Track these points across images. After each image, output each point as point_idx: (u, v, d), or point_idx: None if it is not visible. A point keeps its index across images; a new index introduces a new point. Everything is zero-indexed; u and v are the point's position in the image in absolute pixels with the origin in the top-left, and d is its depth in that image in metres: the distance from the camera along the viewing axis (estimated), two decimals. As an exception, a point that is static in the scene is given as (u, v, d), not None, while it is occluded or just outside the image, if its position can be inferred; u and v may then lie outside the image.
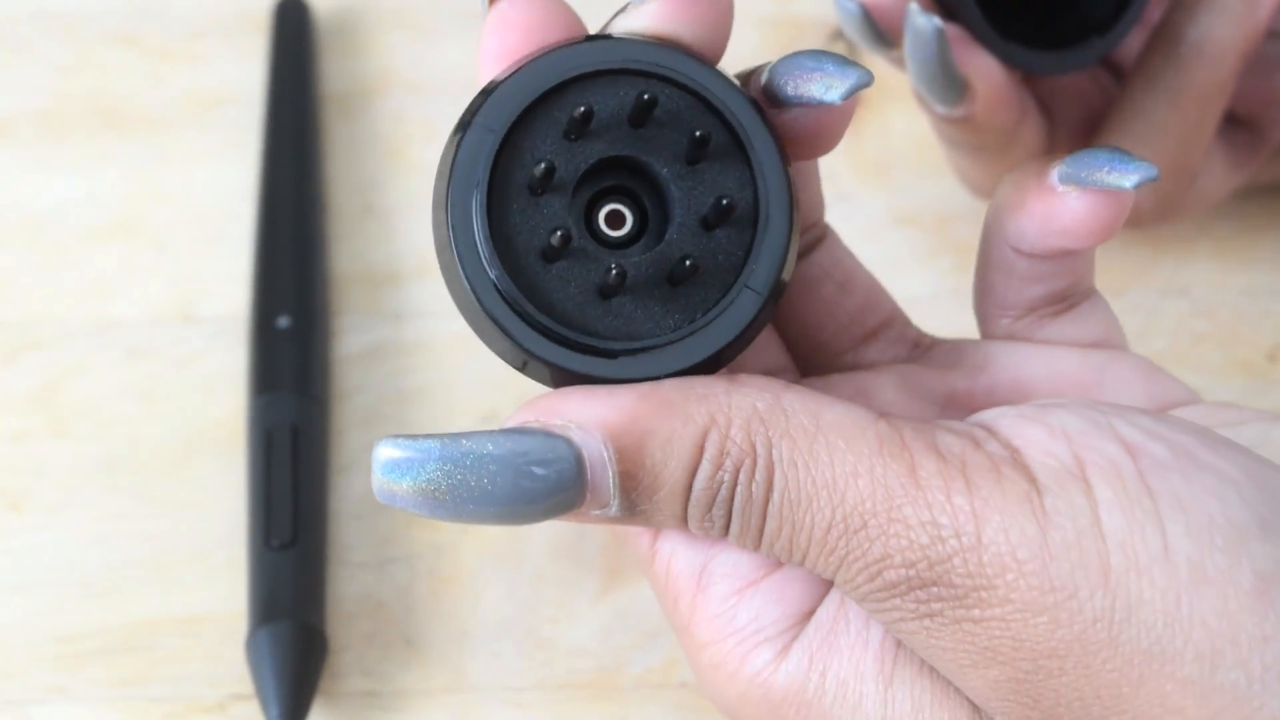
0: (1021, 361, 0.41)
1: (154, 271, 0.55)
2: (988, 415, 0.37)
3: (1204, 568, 0.34)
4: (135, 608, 0.49)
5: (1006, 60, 0.47)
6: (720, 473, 0.36)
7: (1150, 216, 0.50)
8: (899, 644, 0.37)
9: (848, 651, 0.38)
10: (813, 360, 0.42)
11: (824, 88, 0.37)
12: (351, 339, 0.54)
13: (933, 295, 0.54)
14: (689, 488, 0.36)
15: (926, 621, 0.35)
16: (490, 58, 0.38)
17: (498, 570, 0.49)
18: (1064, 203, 0.39)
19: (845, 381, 0.41)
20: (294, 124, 0.57)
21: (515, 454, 0.36)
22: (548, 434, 0.36)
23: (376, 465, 0.36)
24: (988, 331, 0.42)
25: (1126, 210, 0.39)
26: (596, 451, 0.36)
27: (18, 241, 0.56)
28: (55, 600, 0.49)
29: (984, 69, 0.47)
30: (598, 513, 0.36)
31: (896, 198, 0.56)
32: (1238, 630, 0.34)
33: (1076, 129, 0.50)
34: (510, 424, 0.36)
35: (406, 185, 0.57)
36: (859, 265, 0.43)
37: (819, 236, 0.42)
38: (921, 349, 0.42)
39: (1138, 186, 0.38)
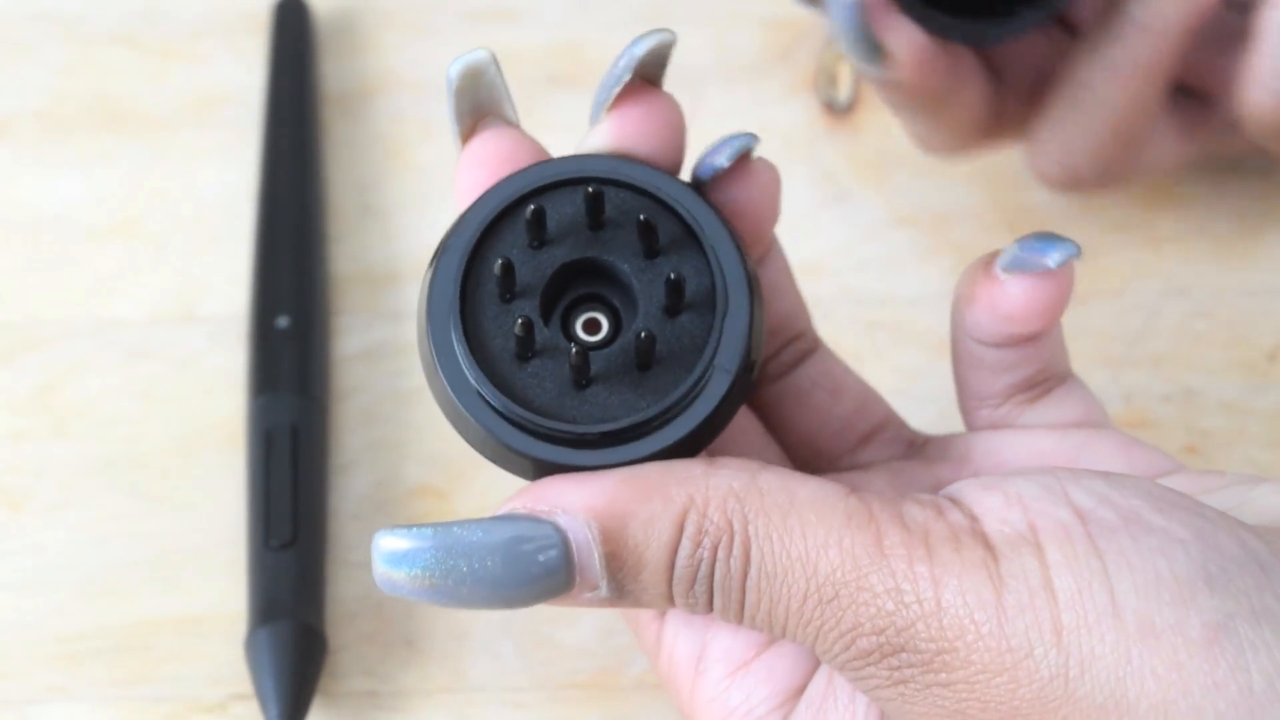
0: (1003, 447, 0.42)
1: (154, 271, 0.55)
2: (955, 486, 0.38)
3: (1152, 622, 0.35)
4: (135, 608, 0.49)
5: (928, 27, 0.48)
6: (700, 550, 0.37)
7: (1092, 183, 0.51)
8: (882, 715, 0.39)
9: None
10: (811, 466, 0.44)
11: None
12: (351, 339, 0.54)
13: (932, 295, 0.54)
14: (671, 565, 0.37)
15: (901, 688, 0.37)
16: (465, 194, 0.41)
17: (497, 570, 0.49)
18: (1004, 290, 0.41)
19: (838, 480, 0.42)
20: (294, 124, 0.57)
21: (505, 540, 0.37)
22: (535, 520, 0.37)
23: (377, 555, 0.38)
24: (971, 424, 0.43)
25: (1065, 291, 0.41)
26: (582, 534, 0.37)
27: (18, 241, 0.56)
28: (55, 600, 0.49)
29: (903, 35, 0.48)
30: (589, 595, 0.38)
31: (896, 197, 0.56)
32: (1189, 680, 0.35)
33: (1026, 91, 0.51)
34: (499, 512, 0.38)
35: (406, 185, 0.57)
36: (849, 373, 0.45)
37: (810, 348, 0.44)
38: (915, 448, 0.44)
39: (1060, 265, 0.40)
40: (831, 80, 0.58)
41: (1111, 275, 0.54)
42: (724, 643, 0.41)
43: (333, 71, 0.59)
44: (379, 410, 0.52)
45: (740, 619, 0.38)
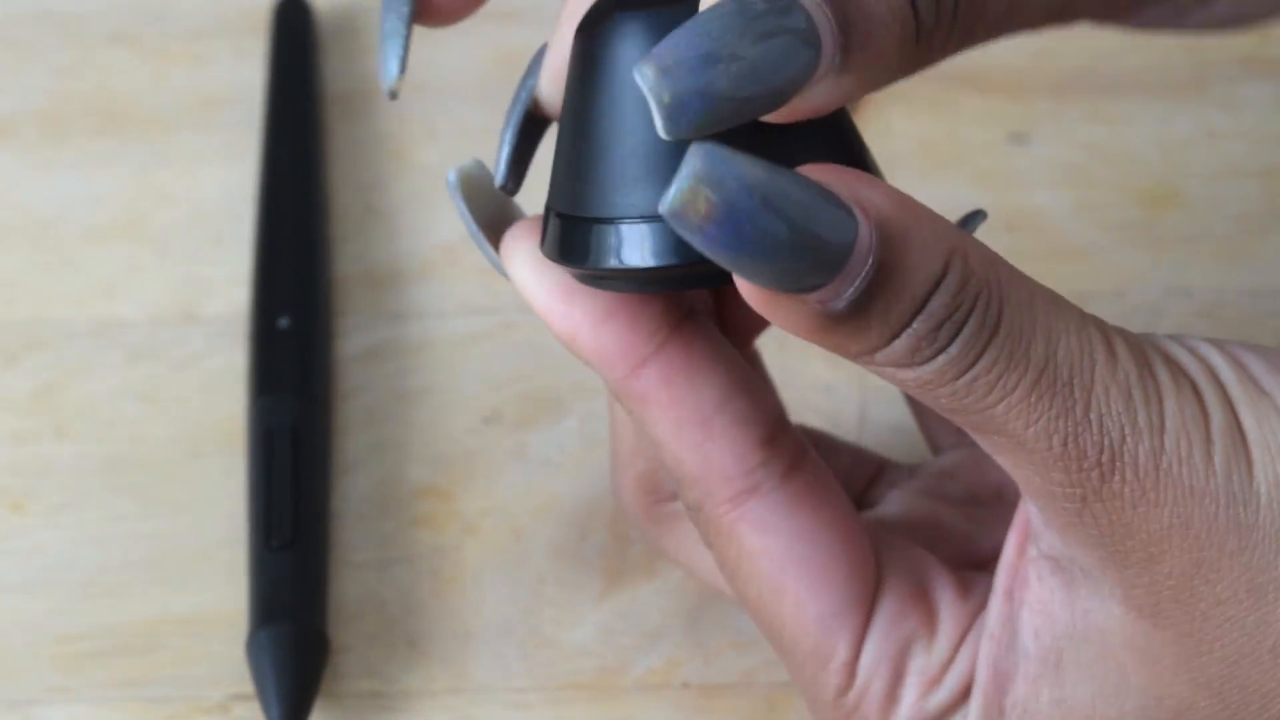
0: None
1: (155, 272, 0.55)
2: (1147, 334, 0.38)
3: None
4: (137, 608, 0.49)
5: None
6: (960, 295, 0.35)
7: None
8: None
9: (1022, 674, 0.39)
10: None
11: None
12: (353, 340, 0.54)
13: (934, 295, 0.54)
14: (926, 300, 0.35)
15: (1110, 504, 0.36)
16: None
17: (500, 571, 0.49)
18: None
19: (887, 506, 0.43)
20: (295, 124, 0.57)
21: (816, 208, 0.34)
22: (838, 200, 0.34)
23: (688, 172, 0.33)
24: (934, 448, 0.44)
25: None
26: (868, 235, 0.35)
27: (19, 242, 0.56)
28: (57, 601, 0.49)
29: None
30: (819, 305, 0.35)
31: (898, 198, 0.56)
32: None
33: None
34: (809, 177, 0.35)
35: (408, 186, 0.57)
36: (836, 437, 0.45)
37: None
38: (913, 473, 0.44)
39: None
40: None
41: (1113, 275, 0.54)
42: (919, 667, 0.40)
43: (334, 71, 0.59)
44: (381, 411, 0.52)
45: (958, 380, 0.36)
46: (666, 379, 0.39)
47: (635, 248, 0.36)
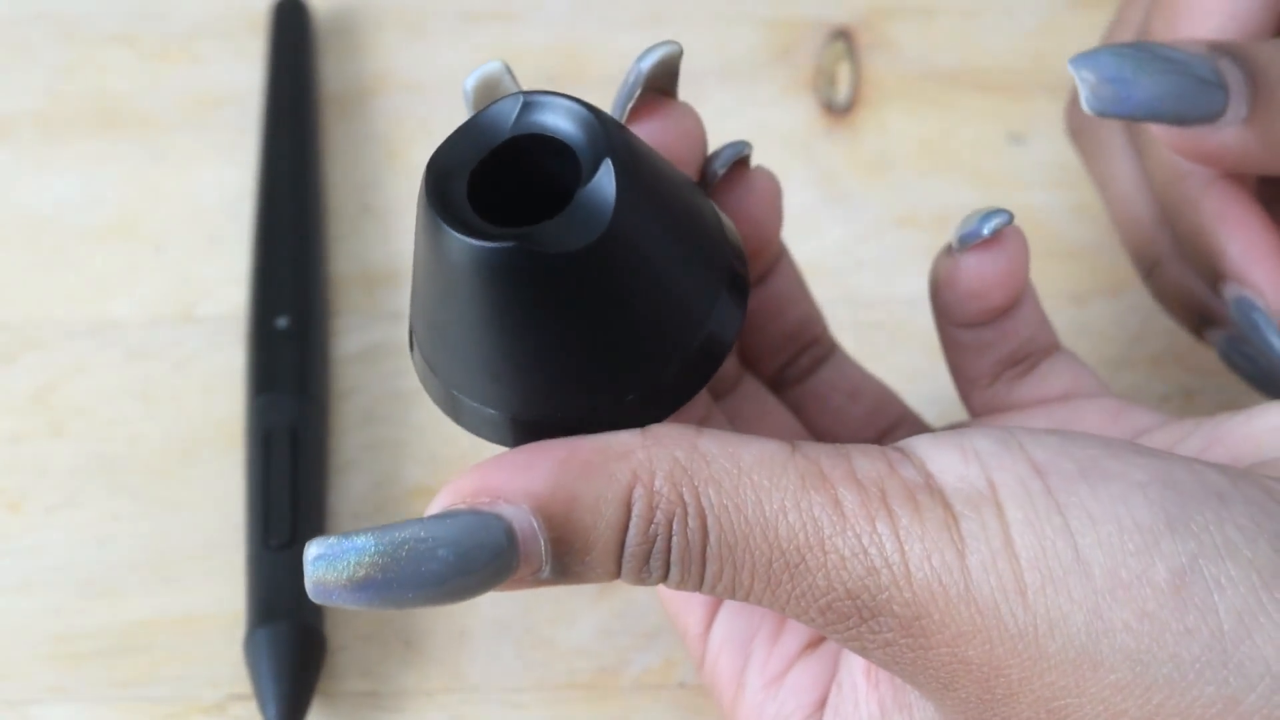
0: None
1: (153, 272, 0.55)
2: (906, 441, 0.38)
3: (1118, 574, 0.35)
4: (134, 608, 0.49)
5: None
6: (653, 526, 0.36)
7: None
8: (888, 708, 0.39)
9: None
10: None
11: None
12: (350, 339, 0.54)
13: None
14: (621, 545, 0.37)
15: (891, 650, 0.36)
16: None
17: (496, 570, 0.49)
18: (960, 266, 0.41)
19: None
20: (293, 124, 0.57)
21: (449, 537, 0.36)
22: (476, 513, 0.36)
23: (308, 562, 0.36)
24: (971, 411, 0.44)
25: (1016, 261, 0.41)
26: (526, 522, 0.36)
27: (16, 242, 0.56)
28: (54, 600, 0.49)
29: None
30: (530, 579, 0.37)
31: (895, 198, 0.56)
32: (1161, 629, 0.35)
33: None
34: (435, 508, 0.37)
35: (405, 185, 0.57)
36: (866, 375, 0.45)
37: (826, 353, 0.44)
38: None
39: (993, 231, 0.40)
40: (830, 80, 0.58)
41: (1110, 276, 0.54)
42: (760, 658, 0.42)
43: (332, 72, 0.59)
44: (378, 410, 0.52)
45: (700, 588, 0.37)
46: None
47: (472, 421, 0.38)
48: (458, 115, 0.58)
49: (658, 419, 0.38)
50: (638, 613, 0.48)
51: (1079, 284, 0.54)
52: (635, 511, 0.36)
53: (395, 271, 0.55)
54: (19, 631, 0.49)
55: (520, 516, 0.36)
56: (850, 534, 0.36)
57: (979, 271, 0.41)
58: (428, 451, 0.51)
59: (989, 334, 0.42)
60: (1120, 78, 0.40)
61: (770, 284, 0.44)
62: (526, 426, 0.37)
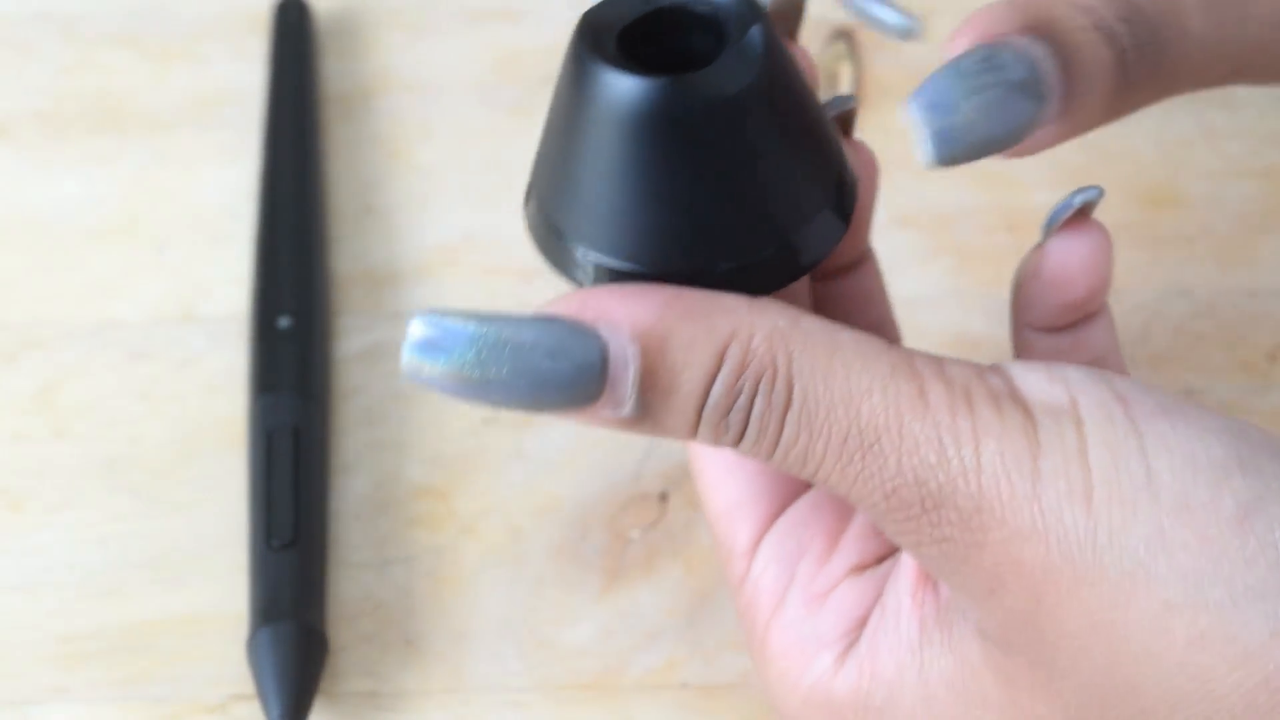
0: None
1: (154, 272, 0.55)
2: (996, 364, 0.38)
3: (1186, 499, 0.35)
4: (136, 608, 0.49)
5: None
6: (741, 381, 0.37)
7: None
8: (929, 627, 0.39)
9: (888, 652, 0.40)
10: None
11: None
12: (352, 339, 0.54)
13: (932, 296, 0.54)
14: (705, 393, 0.37)
15: (943, 546, 0.37)
16: None
17: (498, 571, 0.49)
18: (1048, 254, 0.41)
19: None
20: (294, 124, 0.57)
21: (545, 341, 0.36)
22: (577, 325, 0.37)
23: (408, 343, 0.36)
24: None
25: (1102, 250, 0.41)
26: (621, 347, 0.37)
27: (18, 242, 0.56)
28: (56, 601, 0.49)
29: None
30: (609, 412, 0.37)
31: (896, 198, 0.56)
32: (1220, 553, 0.35)
33: None
34: (543, 313, 0.37)
35: (407, 185, 0.57)
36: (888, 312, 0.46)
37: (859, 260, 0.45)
38: None
39: (1084, 202, 0.40)
40: (832, 80, 0.58)
41: (1113, 275, 0.54)
42: (806, 577, 0.42)
43: (333, 72, 0.59)
44: (380, 411, 0.52)
45: (772, 455, 0.37)
46: None
47: (589, 276, 0.39)
48: (459, 115, 0.59)
49: (764, 286, 0.39)
50: (640, 613, 0.48)
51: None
52: (727, 363, 0.37)
53: (397, 271, 0.55)
54: (21, 631, 0.49)
55: (616, 340, 0.37)
56: (929, 421, 0.36)
57: (1064, 258, 0.41)
58: (430, 451, 0.51)
59: (1064, 342, 0.42)
60: (950, 123, 0.39)
61: (857, 279, 0.45)
62: (624, 277, 0.38)
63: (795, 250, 0.39)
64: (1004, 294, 0.54)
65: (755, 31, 0.38)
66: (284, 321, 0.52)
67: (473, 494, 0.51)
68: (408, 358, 0.36)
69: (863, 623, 0.41)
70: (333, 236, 0.56)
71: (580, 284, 0.39)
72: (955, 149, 0.39)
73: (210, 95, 0.59)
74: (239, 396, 0.52)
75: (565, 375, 0.36)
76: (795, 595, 0.42)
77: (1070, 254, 0.41)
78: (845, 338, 0.37)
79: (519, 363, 0.36)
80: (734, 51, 0.38)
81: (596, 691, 0.47)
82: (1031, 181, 0.56)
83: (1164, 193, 0.56)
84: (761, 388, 0.37)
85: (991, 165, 0.56)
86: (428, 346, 0.36)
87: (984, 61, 0.39)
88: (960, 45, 0.39)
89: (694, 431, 0.37)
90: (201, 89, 0.59)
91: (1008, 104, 0.39)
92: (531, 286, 0.54)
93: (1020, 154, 0.41)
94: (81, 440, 0.52)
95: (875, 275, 0.45)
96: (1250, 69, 0.42)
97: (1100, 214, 0.55)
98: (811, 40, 0.59)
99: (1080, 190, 0.41)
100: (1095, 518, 0.36)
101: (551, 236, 0.39)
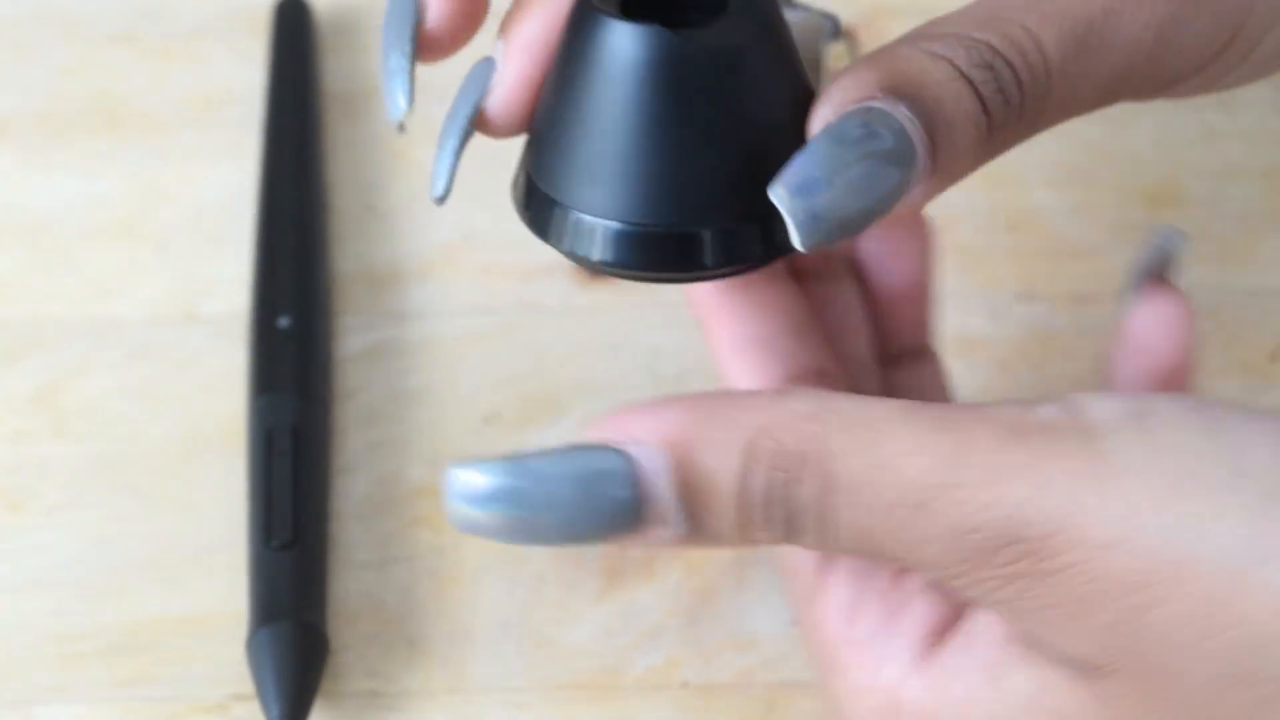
0: None
1: (155, 272, 0.55)
2: (1066, 396, 0.38)
3: (1275, 491, 0.34)
4: (136, 608, 0.49)
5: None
6: (774, 473, 0.36)
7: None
8: (1007, 651, 0.38)
9: (963, 671, 0.39)
10: None
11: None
12: (353, 339, 0.54)
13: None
14: (742, 492, 0.36)
15: (1017, 585, 0.36)
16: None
17: (499, 571, 0.49)
18: (1131, 324, 0.42)
19: None
20: (295, 124, 0.57)
21: (577, 472, 0.36)
22: (605, 448, 0.37)
23: (453, 494, 0.37)
24: None
25: (1177, 327, 0.42)
26: (653, 461, 0.36)
27: (18, 242, 0.56)
28: (56, 601, 0.49)
29: None
30: (661, 532, 0.37)
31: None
32: None
33: None
34: (572, 444, 0.37)
35: (408, 185, 0.57)
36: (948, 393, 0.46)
37: (926, 356, 0.46)
38: None
39: (1168, 240, 0.41)
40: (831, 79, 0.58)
41: (1112, 275, 0.54)
42: (880, 591, 0.41)
43: (334, 71, 0.59)
44: (381, 410, 0.52)
45: (825, 544, 0.37)
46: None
47: (587, 240, 0.39)
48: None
49: (744, 257, 0.39)
50: (640, 613, 0.48)
51: (1079, 284, 0.54)
52: (759, 458, 0.36)
53: (398, 271, 0.55)
54: (21, 631, 0.49)
55: (645, 455, 0.36)
56: (978, 465, 0.35)
57: (1148, 327, 0.41)
58: (430, 451, 0.51)
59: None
60: (817, 205, 0.37)
61: (918, 372, 0.45)
62: (621, 237, 0.39)
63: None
64: (1005, 294, 0.54)
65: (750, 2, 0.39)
66: (284, 321, 0.52)
67: (473, 494, 0.50)
68: (456, 510, 0.37)
69: (937, 636, 0.40)
70: (333, 236, 0.56)
71: (571, 251, 0.39)
72: (824, 231, 0.37)
73: (210, 95, 0.59)
74: (239, 396, 0.52)
75: (604, 501, 0.36)
76: (869, 608, 0.41)
77: (1152, 325, 0.41)
78: (877, 406, 0.36)
79: (556, 498, 0.36)
80: (736, 12, 0.38)
81: (597, 691, 0.47)
82: (1032, 181, 0.56)
83: (1164, 192, 0.56)
84: (796, 477, 0.36)
85: (992, 165, 0.56)
86: (473, 497, 0.37)
87: (848, 135, 0.38)
88: (823, 118, 0.38)
89: (744, 533, 0.37)
90: (202, 89, 0.59)
91: (875, 177, 0.38)
92: (532, 286, 0.54)
93: (892, 222, 0.40)
94: (81, 440, 0.52)
95: (937, 374, 0.45)
96: (1121, 92, 0.41)
97: (1100, 213, 0.56)
98: (812, 40, 0.59)
99: (1162, 235, 0.40)
100: (1180, 514, 0.34)
101: (545, 205, 0.40)
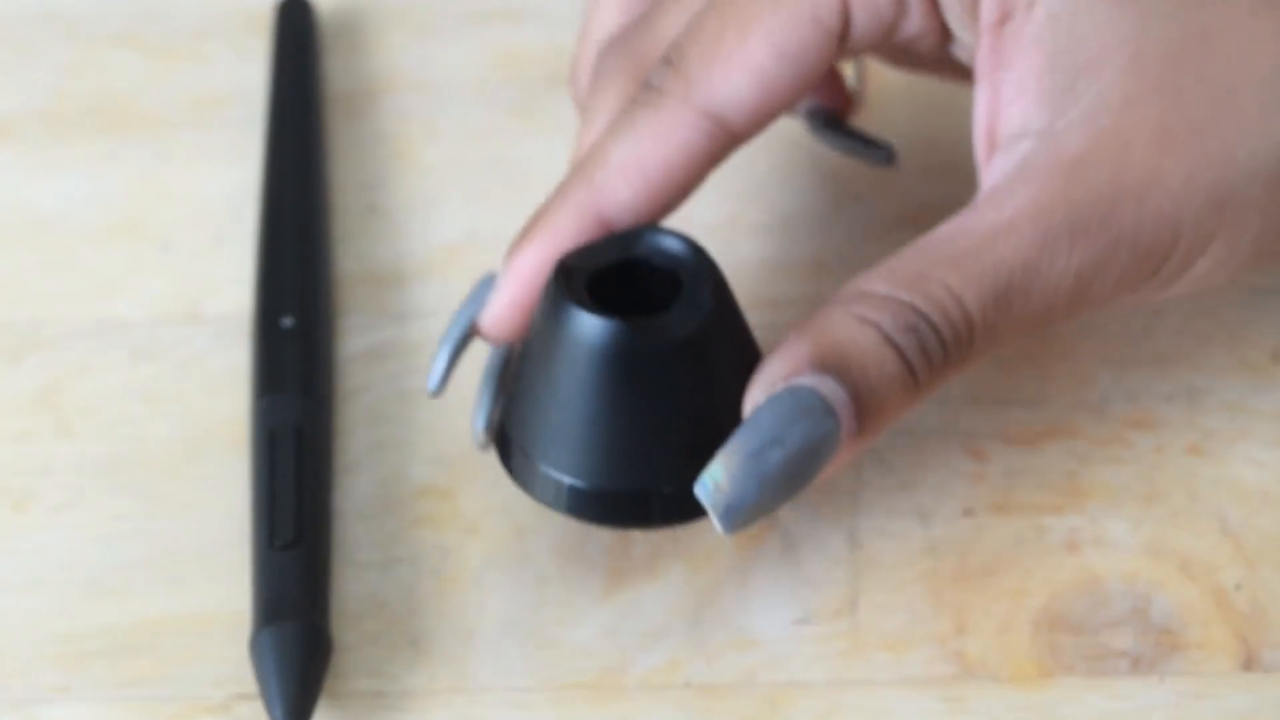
0: None
1: (158, 272, 0.55)
2: None
3: None
4: (139, 608, 0.49)
5: None
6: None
7: None
8: None
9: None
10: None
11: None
12: (355, 339, 0.54)
13: (936, 295, 0.54)
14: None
15: None
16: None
17: (502, 571, 0.49)
18: None
19: None
20: (297, 124, 0.57)
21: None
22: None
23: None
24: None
25: None
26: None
27: (21, 242, 0.56)
28: (59, 600, 0.49)
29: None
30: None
31: (900, 197, 0.56)
32: None
33: None
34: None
35: (410, 185, 0.57)
36: None
37: None
38: None
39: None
40: (834, 80, 0.58)
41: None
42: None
43: (337, 71, 0.59)
44: (384, 410, 0.52)
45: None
46: None
47: (553, 492, 0.45)
48: (462, 115, 0.59)
49: (689, 514, 0.45)
50: (643, 612, 0.48)
51: (1082, 283, 0.54)
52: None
53: (401, 271, 0.55)
54: (23, 631, 0.49)
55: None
56: None
57: None
58: (433, 451, 0.51)
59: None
60: (736, 500, 0.42)
61: None
62: (582, 494, 0.45)
63: None
64: (1007, 294, 0.54)
65: (705, 289, 0.44)
66: (287, 321, 0.52)
67: (477, 493, 0.50)
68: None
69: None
70: (336, 236, 0.56)
71: (540, 500, 0.46)
72: (744, 521, 0.42)
73: (213, 95, 0.59)
74: (242, 396, 0.52)
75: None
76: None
77: None
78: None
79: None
80: (684, 302, 0.44)
81: (600, 691, 0.47)
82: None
83: (1167, 192, 0.56)
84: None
85: (994, 165, 0.56)
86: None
87: (771, 426, 0.42)
88: (753, 401, 0.43)
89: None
90: (204, 89, 0.59)
91: (795, 464, 0.42)
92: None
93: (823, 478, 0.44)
94: (84, 440, 0.52)
95: None
96: (1046, 328, 0.45)
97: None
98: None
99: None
100: None
101: (519, 455, 0.46)
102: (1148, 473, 0.50)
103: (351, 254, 0.55)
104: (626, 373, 0.44)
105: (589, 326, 0.44)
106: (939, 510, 0.50)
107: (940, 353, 0.43)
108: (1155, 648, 0.47)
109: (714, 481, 0.42)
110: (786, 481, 0.42)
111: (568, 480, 0.45)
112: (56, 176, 0.57)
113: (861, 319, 0.43)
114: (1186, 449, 0.51)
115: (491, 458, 0.47)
